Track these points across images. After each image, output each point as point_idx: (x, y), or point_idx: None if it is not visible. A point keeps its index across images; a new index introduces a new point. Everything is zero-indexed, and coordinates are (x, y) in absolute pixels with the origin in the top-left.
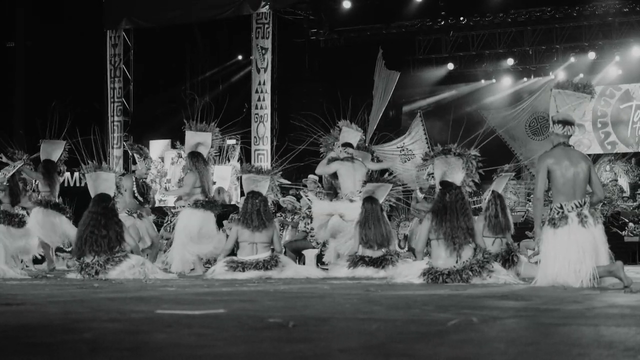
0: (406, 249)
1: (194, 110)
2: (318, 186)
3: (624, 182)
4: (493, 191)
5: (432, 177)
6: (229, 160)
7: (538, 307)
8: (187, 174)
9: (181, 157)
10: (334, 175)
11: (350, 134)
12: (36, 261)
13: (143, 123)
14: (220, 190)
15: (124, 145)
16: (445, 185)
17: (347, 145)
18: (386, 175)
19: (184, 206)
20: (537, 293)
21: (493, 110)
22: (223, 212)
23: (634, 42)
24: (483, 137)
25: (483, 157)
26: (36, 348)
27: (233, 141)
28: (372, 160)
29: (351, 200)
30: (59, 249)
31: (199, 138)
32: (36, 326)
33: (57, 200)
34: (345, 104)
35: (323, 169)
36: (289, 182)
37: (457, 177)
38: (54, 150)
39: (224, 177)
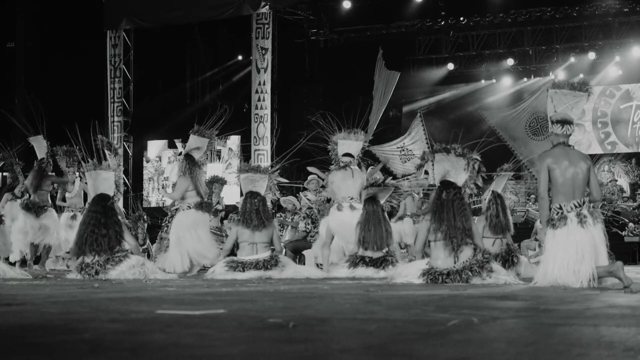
0: (406, 249)
1: (196, 111)
2: (319, 186)
3: (624, 182)
4: (493, 191)
5: (427, 175)
6: (218, 158)
7: (538, 307)
8: (180, 178)
9: (179, 154)
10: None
11: (349, 145)
12: (36, 261)
13: (143, 123)
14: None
15: (124, 145)
16: (445, 184)
17: (346, 155)
18: (389, 179)
19: (180, 207)
20: (537, 293)
21: (493, 110)
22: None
23: (634, 42)
24: (484, 139)
25: (484, 159)
26: (36, 348)
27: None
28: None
29: (339, 209)
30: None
31: (200, 143)
32: (36, 326)
33: (36, 200)
34: (356, 104)
35: (328, 191)
36: (288, 181)
37: (460, 178)
38: (43, 147)
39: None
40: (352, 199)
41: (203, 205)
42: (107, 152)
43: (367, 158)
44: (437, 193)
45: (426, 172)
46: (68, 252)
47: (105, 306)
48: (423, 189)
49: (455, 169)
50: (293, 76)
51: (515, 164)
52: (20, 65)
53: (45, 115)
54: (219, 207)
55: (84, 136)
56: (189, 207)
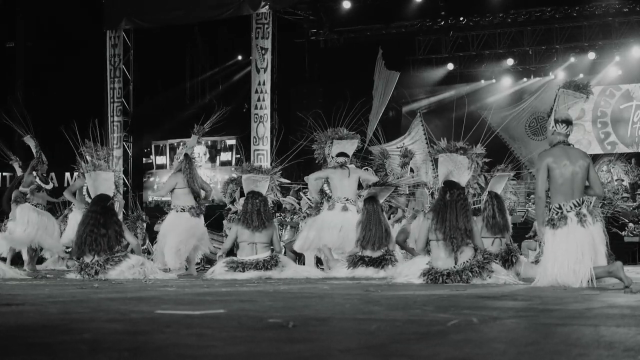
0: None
1: (196, 110)
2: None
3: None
4: (490, 192)
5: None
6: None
7: (538, 307)
8: (171, 175)
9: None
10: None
11: (344, 145)
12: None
13: (143, 123)
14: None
15: (123, 145)
16: (448, 184)
17: (341, 155)
18: (390, 178)
19: (173, 207)
20: (537, 293)
21: (493, 110)
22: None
23: (634, 42)
24: (483, 137)
25: (485, 160)
26: (36, 348)
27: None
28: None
29: (330, 209)
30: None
31: (194, 142)
32: (36, 326)
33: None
34: (345, 104)
35: (313, 176)
36: (289, 182)
37: (463, 177)
38: (33, 146)
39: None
40: (347, 200)
41: (195, 210)
42: (88, 156)
43: (366, 158)
44: (441, 194)
45: (412, 170)
46: (67, 252)
47: (105, 306)
48: (408, 187)
49: (459, 169)
50: (293, 76)
51: (512, 165)
52: (20, 65)
53: (44, 115)
54: (232, 207)
55: (82, 136)
56: (182, 209)
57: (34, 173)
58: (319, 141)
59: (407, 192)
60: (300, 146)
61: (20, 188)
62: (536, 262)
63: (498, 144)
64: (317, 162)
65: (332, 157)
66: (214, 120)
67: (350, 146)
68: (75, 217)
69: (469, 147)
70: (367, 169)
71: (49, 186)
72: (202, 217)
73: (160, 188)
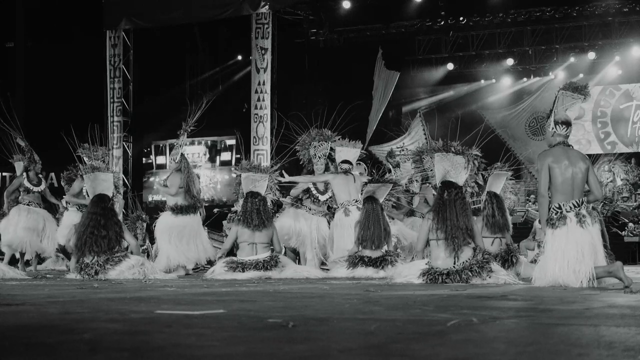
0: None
1: (194, 110)
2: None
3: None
4: (489, 191)
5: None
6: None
7: (538, 307)
8: (174, 174)
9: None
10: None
11: (347, 152)
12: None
13: (143, 123)
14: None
15: (123, 145)
16: (446, 184)
17: (344, 162)
18: (386, 175)
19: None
20: (537, 293)
21: (493, 110)
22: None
23: (634, 42)
24: (483, 136)
25: (484, 159)
26: (36, 348)
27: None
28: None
29: (346, 214)
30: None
31: (184, 142)
32: (36, 326)
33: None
34: (345, 105)
35: (309, 178)
36: (289, 180)
37: (460, 177)
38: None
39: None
40: (357, 201)
41: (184, 209)
42: (85, 158)
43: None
44: (439, 193)
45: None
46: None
47: (105, 306)
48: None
49: (456, 169)
50: (293, 76)
51: (510, 164)
52: (20, 65)
53: (44, 115)
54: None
55: (82, 137)
56: (172, 209)
57: (24, 174)
58: (302, 143)
59: (403, 190)
60: (296, 144)
61: (7, 189)
62: (535, 261)
63: (497, 144)
64: (301, 164)
65: (319, 158)
66: (197, 117)
67: (352, 154)
68: (70, 216)
69: (465, 149)
70: (359, 164)
71: (39, 188)
72: (192, 215)
73: (169, 188)
